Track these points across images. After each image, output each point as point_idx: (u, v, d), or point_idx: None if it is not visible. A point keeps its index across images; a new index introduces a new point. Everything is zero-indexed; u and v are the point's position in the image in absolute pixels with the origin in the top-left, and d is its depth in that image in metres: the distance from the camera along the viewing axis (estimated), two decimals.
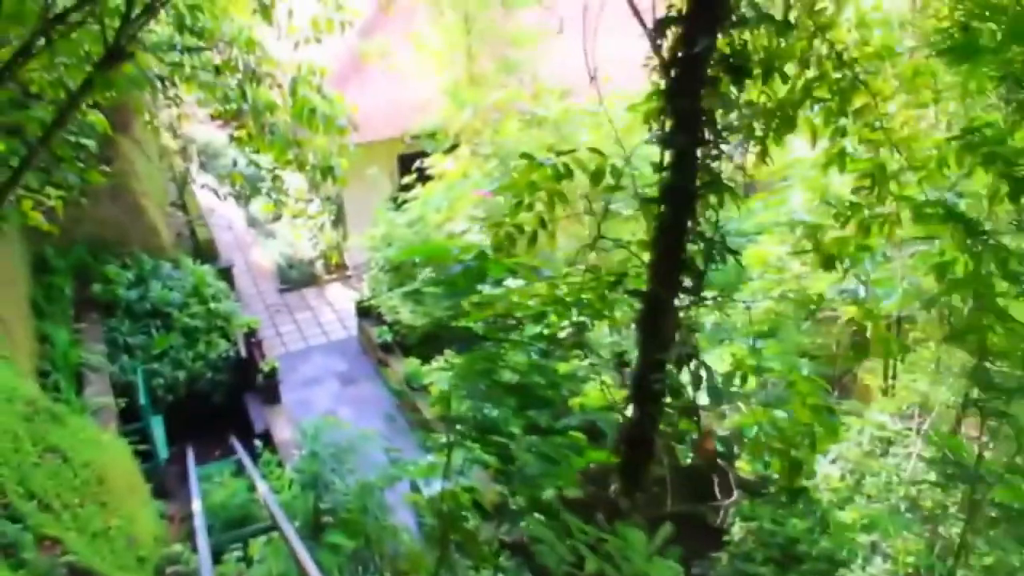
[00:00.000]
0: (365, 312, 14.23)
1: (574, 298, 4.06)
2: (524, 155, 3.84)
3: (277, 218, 19.77)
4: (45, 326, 11.38)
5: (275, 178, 19.63)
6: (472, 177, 11.97)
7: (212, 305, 12.97)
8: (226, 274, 14.43)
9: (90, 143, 8.12)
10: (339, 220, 17.61)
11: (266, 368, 12.32)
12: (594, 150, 3.82)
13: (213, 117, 21.63)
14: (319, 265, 17.93)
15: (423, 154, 15.03)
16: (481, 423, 5.25)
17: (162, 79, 6.99)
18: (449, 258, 4.92)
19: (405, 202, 13.79)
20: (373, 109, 15.78)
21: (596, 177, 3.70)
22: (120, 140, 13.80)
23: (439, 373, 11.09)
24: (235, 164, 16.70)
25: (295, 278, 17.68)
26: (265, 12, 6.39)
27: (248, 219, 20.67)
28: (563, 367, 8.58)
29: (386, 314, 12.75)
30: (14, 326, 10.45)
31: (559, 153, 3.85)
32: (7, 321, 10.24)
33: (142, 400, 10.85)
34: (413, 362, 12.04)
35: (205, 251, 14.92)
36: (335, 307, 16.69)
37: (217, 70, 6.88)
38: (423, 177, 14.46)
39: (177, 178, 18.22)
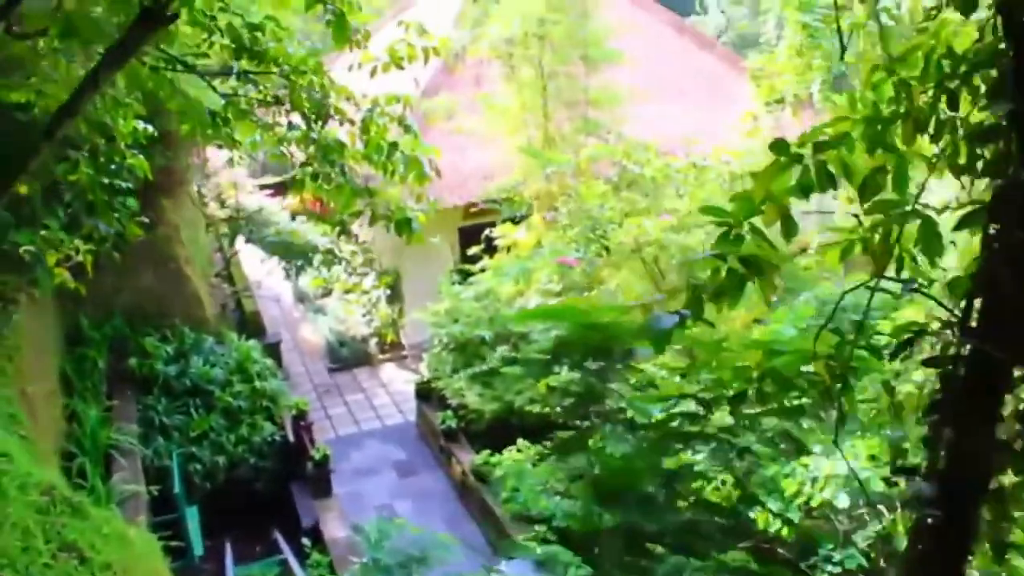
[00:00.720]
0: (425, 395, 13.23)
1: (791, 371, 2.91)
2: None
3: (327, 293, 19.07)
4: (74, 403, 10.60)
5: (327, 251, 19.07)
6: (547, 247, 11.04)
7: (257, 384, 12.13)
8: (273, 350, 13.58)
9: (130, 200, 7.34)
10: (395, 295, 16.78)
11: (317, 455, 11.32)
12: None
13: (263, 187, 21.31)
14: (372, 343, 17.05)
15: (486, 225, 14.24)
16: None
17: (213, 115, 6.12)
18: (582, 319, 3.86)
19: (470, 274, 12.89)
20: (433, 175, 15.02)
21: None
22: (165, 204, 13.15)
23: (512, 464, 10.03)
24: (285, 234, 16.10)
25: (346, 357, 16.80)
26: (340, 30, 5.53)
27: (296, 293, 19.95)
28: (681, 460, 7.47)
29: (450, 397, 11.73)
30: (39, 402, 9.61)
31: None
32: (32, 396, 9.40)
33: (176, 488, 9.96)
34: (482, 452, 10.96)
35: (251, 325, 14.12)
36: (390, 389, 15.73)
37: (278, 101, 5.99)
38: (490, 248, 13.62)
39: (224, 248, 17.58)
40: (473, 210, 14.93)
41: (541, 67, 11.74)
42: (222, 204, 19.62)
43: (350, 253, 17.09)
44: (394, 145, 6.04)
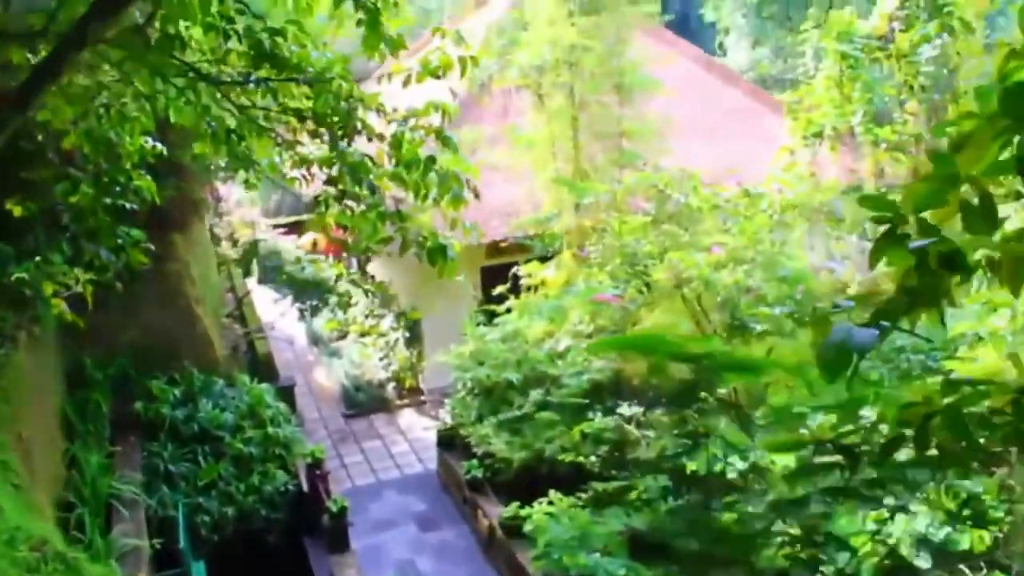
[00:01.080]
0: (448, 442, 12.62)
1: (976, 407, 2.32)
2: None
3: (343, 336, 18.53)
4: (75, 448, 10.02)
5: (343, 293, 18.55)
6: (581, 284, 10.48)
7: (270, 430, 11.54)
8: (287, 394, 13.02)
9: (135, 232, 6.83)
10: (414, 338, 16.23)
11: (334, 507, 10.69)
12: None
13: (276, 227, 20.86)
14: (390, 388, 16.47)
15: (510, 264, 13.73)
16: None
17: (228, 131, 5.61)
18: (672, 349, 3.27)
19: (495, 315, 12.34)
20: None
21: None
22: (175, 238, 12.68)
23: (544, 517, 9.38)
24: (299, 272, 15.61)
25: (362, 402, 16.23)
26: (372, 31, 5.02)
27: (310, 336, 19.41)
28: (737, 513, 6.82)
29: (475, 445, 11.12)
30: (37, 448, 9.05)
31: None
32: (29, 441, 8.85)
33: (181, 542, 9.36)
34: (511, 504, 10.31)
35: (264, 368, 13.56)
36: (409, 436, 15.13)
37: (300, 114, 5.48)
38: (515, 288, 13.08)
39: (235, 288, 17.09)
40: (501, 246, 14.40)
41: (572, 96, 11.27)
42: (235, 243, 19.22)
43: (367, 293, 16.57)
44: (431, 160, 5.50)
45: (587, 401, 10.50)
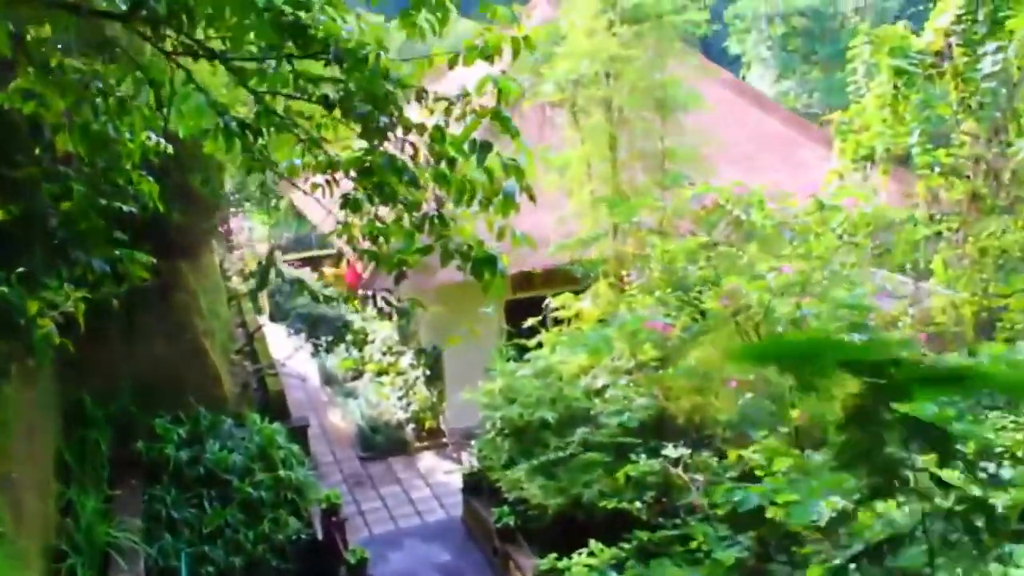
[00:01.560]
0: (474, 487, 11.84)
1: None
2: None
3: (358, 375, 17.84)
4: (71, 492, 9.37)
5: (358, 331, 17.86)
6: (625, 314, 9.74)
7: (282, 473, 10.88)
8: (300, 435, 12.30)
9: (139, 254, 6.12)
10: (435, 376, 15.48)
11: (352, 558, 9.91)
12: None
13: (290, 263, 20.26)
14: (409, 430, 15.69)
15: (537, 298, 13.07)
16: None
17: (244, 126, 4.92)
18: (833, 358, 2.47)
19: (526, 350, 11.62)
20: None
21: None
22: (182, 267, 12.07)
23: (584, 570, 8.58)
24: (315, 302, 14.92)
25: (380, 444, 15.48)
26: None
27: (324, 375, 18.71)
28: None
29: (506, 490, 10.32)
30: (28, 491, 8.39)
31: None
32: (18, 484, 8.17)
33: None
34: (547, 555, 9.49)
35: (275, 407, 12.84)
36: (430, 480, 14.35)
37: (327, 101, 4.79)
38: (545, 322, 12.38)
39: (246, 324, 16.43)
40: (530, 277, 13.68)
41: (611, 111, 10.61)
42: (245, 279, 18.62)
43: (391, 315, 15.85)
44: (487, 147, 4.80)
45: (636, 440, 9.78)
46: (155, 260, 10.06)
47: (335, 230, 6.17)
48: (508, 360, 11.54)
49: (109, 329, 10.81)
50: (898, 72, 12.58)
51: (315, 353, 16.77)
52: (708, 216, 8.65)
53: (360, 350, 18.18)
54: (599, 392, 10.70)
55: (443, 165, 5.00)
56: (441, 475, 14.49)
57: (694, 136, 11.42)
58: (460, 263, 5.39)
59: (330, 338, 15.00)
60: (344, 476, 14.68)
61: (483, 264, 5.24)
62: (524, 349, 11.80)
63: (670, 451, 9.41)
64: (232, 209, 23.23)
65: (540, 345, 11.78)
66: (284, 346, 17.20)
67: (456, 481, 13.37)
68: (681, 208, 9.58)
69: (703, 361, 9.57)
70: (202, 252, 13.24)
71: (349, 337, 15.70)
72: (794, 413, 7.98)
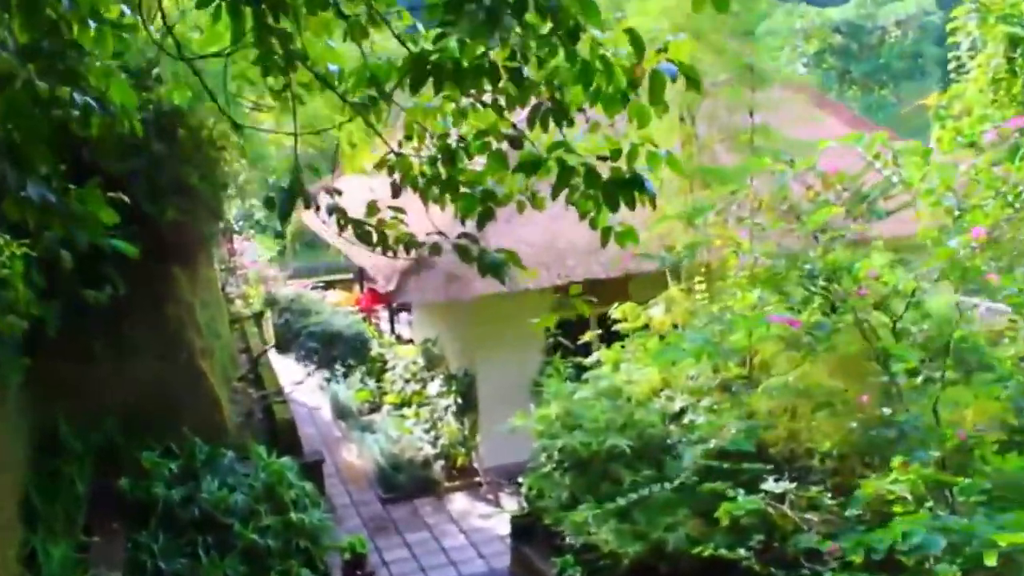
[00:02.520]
0: (525, 532, 10.26)
1: None
2: None
3: (375, 408, 16.41)
4: (36, 538, 7.92)
5: (375, 359, 16.41)
6: (701, 328, 8.26)
7: (293, 516, 9.47)
8: (313, 472, 10.84)
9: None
10: (468, 405, 14.01)
11: None
12: None
13: (299, 282, 18.84)
14: (437, 468, 14.20)
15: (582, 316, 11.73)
16: None
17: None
18: None
19: (585, 369, 10.20)
20: (513, 247, 12.60)
21: None
22: (177, 274, 10.63)
23: None
24: (330, 320, 13.51)
25: (403, 484, 14.06)
26: None
27: (336, 408, 17.27)
28: None
29: (569, 535, 8.79)
30: None
31: None
32: None
33: None
34: None
35: (284, 439, 11.39)
36: (464, 525, 12.91)
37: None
38: (607, 336, 10.99)
39: (250, 349, 15.01)
40: (572, 292, 12.25)
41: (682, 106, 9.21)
42: (248, 303, 17.30)
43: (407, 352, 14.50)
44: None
45: (724, 473, 8.31)
46: (145, 265, 8.77)
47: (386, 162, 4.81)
48: (565, 380, 10.08)
49: (91, 344, 9.54)
50: (1013, 41, 11.21)
51: (329, 379, 15.28)
52: (833, 181, 7.15)
53: (378, 379, 16.80)
54: (676, 416, 9.24)
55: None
56: (476, 519, 13.08)
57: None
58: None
59: (348, 362, 13.48)
60: (363, 520, 13.28)
61: (628, 185, 3.75)
62: (582, 369, 10.39)
63: (770, 485, 7.90)
64: (236, 229, 22.05)
65: (599, 363, 10.39)
66: (292, 376, 15.83)
67: (495, 527, 11.96)
68: (779, 192, 8.11)
69: (805, 375, 8.16)
70: (201, 260, 11.84)
71: (370, 357, 14.22)
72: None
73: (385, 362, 17.01)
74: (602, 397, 9.50)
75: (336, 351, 13.19)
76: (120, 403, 9.63)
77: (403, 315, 21.33)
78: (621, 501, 8.10)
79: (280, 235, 31.88)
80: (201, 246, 11.71)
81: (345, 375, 14.86)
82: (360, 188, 18.11)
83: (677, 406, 9.29)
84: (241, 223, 27.34)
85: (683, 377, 9.49)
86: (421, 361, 15.24)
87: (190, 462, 9.56)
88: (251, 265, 18.82)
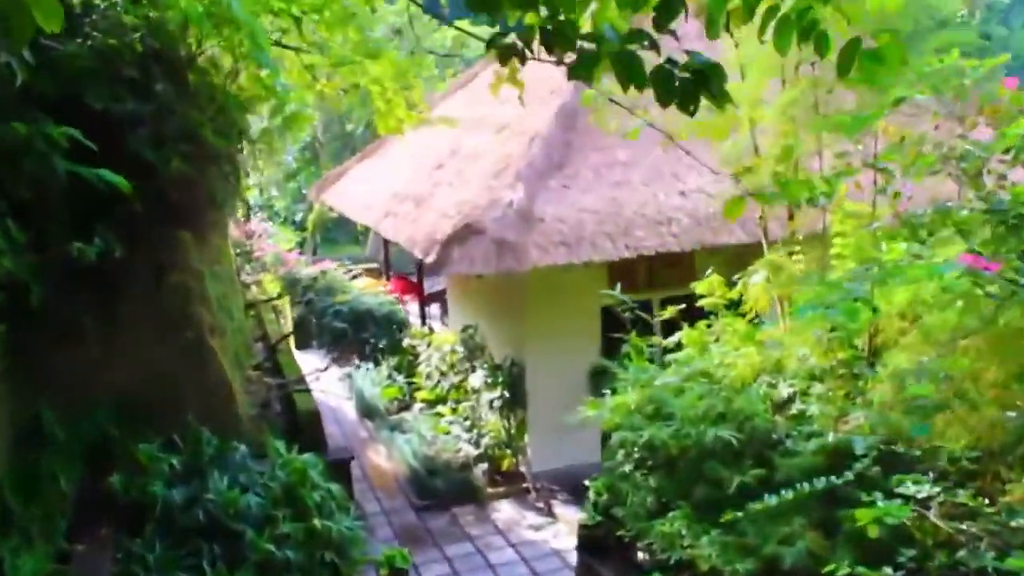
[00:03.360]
0: (596, 545, 8.87)
1: None
2: None
3: (404, 406, 15.15)
4: (7, 545, 6.70)
5: (405, 351, 15.11)
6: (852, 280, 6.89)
7: (317, 522, 8.20)
8: (341, 472, 9.57)
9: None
10: (516, 400, 12.72)
11: None
12: None
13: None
14: (479, 472, 12.92)
15: (641, 303, 10.56)
16: None
17: None
18: None
19: (668, 351, 8.94)
20: (573, 215, 11.46)
21: None
22: (184, 239, 9.35)
23: None
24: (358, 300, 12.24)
25: (440, 490, 12.85)
26: None
27: (360, 406, 16.02)
28: None
29: (657, 547, 7.43)
30: None
31: None
32: None
33: None
34: None
35: (307, 433, 10.10)
36: (511, 537, 11.65)
37: None
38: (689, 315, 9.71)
39: (267, 335, 13.76)
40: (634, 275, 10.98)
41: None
42: (266, 291, 16.08)
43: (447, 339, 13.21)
44: None
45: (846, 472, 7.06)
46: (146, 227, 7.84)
47: None
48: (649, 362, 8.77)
49: (81, 320, 8.29)
50: None
51: (358, 366, 14.00)
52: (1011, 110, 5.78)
53: (408, 375, 15.56)
54: (782, 405, 7.90)
55: None
56: (526, 530, 11.85)
57: None
58: None
59: (381, 346, 12.17)
60: (395, 531, 12.09)
61: None
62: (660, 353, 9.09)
63: (908, 488, 6.56)
64: (252, 209, 20.91)
65: (680, 346, 9.08)
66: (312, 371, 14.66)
67: (549, 539, 10.68)
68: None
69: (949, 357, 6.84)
70: (212, 227, 10.55)
71: (402, 348, 12.95)
72: None
73: (416, 355, 15.82)
74: (692, 382, 8.16)
75: (368, 332, 11.89)
76: (114, 387, 8.36)
77: (433, 308, 20.16)
78: (737, 512, 6.73)
79: (301, 226, 30.78)
80: (213, 210, 10.45)
81: (376, 362, 13.54)
82: (385, 172, 16.85)
83: (785, 392, 7.96)
84: (259, 212, 26.29)
85: (791, 359, 8.15)
86: (460, 350, 13.96)
87: (195, 457, 8.34)
88: (269, 248, 17.58)
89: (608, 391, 8.82)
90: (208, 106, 8.94)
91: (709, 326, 9.26)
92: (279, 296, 13.74)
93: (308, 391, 11.01)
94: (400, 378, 16.14)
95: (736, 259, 9.69)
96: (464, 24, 11.75)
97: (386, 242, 21.22)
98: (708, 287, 9.31)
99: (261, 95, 10.07)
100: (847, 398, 7.73)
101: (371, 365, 14.56)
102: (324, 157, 30.87)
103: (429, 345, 15.13)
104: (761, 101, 8.82)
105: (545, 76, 16.00)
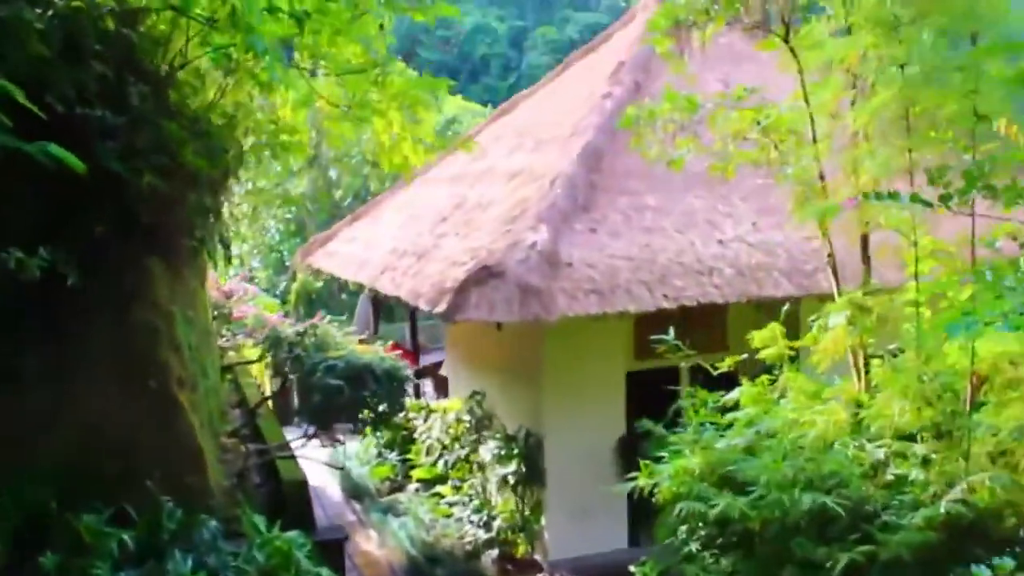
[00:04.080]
0: None
1: None
2: None
3: (397, 487, 13.82)
4: None
5: (398, 427, 13.74)
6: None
7: None
8: (333, 554, 8.16)
9: None
10: (531, 477, 11.43)
11: None
12: None
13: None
14: (487, 560, 11.56)
15: (667, 371, 9.93)
16: None
17: None
18: None
19: (727, 410, 7.71)
20: (604, 260, 10.39)
21: None
22: (153, 267, 8.04)
23: None
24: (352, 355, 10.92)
25: None
26: None
27: (348, 487, 14.66)
28: None
29: None
30: None
31: None
32: None
33: None
34: None
35: (292, 508, 8.70)
36: None
37: None
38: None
39: (245, 400, 12.42)
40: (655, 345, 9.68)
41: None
42: (243, 355, 14.83)
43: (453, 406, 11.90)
44: None
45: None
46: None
47: None
48: (705, 424, 7.43)
49: (20, 361, 6.89)
50: None
51: (354, 431, 12.69)
52: None
53: (402, 452, 14.24)
54: (875, 469, 6.63)
55: None
56: None
57: None
58: None
59: (382, 408, 10.86)
60: None
61: None
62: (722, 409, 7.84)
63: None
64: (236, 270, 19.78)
65: (737, 406, 7.81)
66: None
67: None
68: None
69: None
70: (187, 261, 9.21)
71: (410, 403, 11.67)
72: None
73: (411, 430, 14.57)
74: (764, 445, 6.84)
75: (367, 390, 10.57)
76: (59, 445, 7.01)
77: (427, 387, 19.06)
78: None
79: (283, 298, 29.60)
80: (189, 239, 9.14)
81: (375, 428, 12.18)
82: (380, 231, 15.77)
83: (878, 455, 6.66)
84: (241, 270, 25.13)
85: (878, 416, 6.87)
86: (467, 419, 12.65)
87: (153, 533, 6.97)
88: (250, 310, 16.27)
89: (646, 459, 7.56)
90: (193, 126, 7.84)
91: (772, 382, 8.06)
92: (260, 358, 12.39)
93: (293, 458, 9.60)
94: (392, 455, 14.97)
95: (775, 318, 8.51)
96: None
97: (376, 313, 20.11)
98: (761, 339, 8.10)
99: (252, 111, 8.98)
100: (954, 461, 6.47)
101: (361, 438, 13.29)
102: (311, 227, 29.96)
103: (429, 415, 13.85)
104: (833, 115, 7.77)
105: (562, 119, 15.23)
